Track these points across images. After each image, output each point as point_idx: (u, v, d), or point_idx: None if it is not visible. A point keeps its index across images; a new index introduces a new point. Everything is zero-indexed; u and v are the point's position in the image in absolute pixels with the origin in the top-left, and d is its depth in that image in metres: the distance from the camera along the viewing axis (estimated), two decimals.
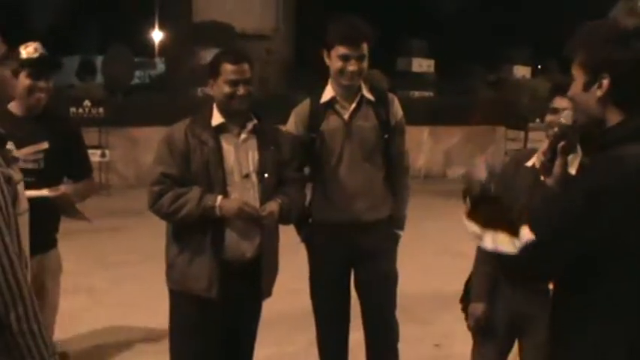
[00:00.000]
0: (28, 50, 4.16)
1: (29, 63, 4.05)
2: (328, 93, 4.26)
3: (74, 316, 5.76)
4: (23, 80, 4.05)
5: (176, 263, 3.88)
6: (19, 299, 2.18)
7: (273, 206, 3.83)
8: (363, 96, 4.24)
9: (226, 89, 3.80)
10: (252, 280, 3.90)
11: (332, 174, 4.27)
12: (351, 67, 4.10)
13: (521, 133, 14.21)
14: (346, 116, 4.24)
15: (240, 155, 3.84)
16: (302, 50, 17.41)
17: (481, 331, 3.76)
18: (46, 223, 4.10)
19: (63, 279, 4.26)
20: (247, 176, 3.84)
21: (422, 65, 16.54)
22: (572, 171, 2.50)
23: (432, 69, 16.93)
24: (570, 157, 2.51)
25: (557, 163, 2.50)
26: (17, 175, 2.35)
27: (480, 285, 3.74)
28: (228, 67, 3.80)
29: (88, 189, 4.37)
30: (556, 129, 2.68)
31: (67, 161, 4.14)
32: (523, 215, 2.27)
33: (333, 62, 4.13)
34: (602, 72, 2.26)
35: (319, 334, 4.50)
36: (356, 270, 4.42)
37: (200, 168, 3.77)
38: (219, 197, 3.75)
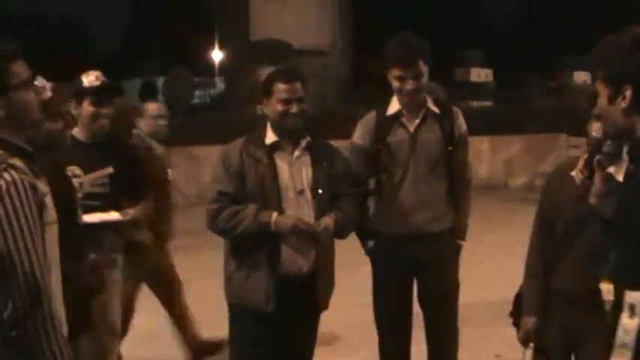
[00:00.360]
0: (89, 79, 4.32)
1: (91, 91, 4.21)
2: (394, 106, 4.33)
3: (141, 331, 5.89)
4: (87, 108, 4.22)
5: (234, 278, 3.98)
6: (36, 300, 2.28)
7: (327, 221, 3.91)
8: (428, 109, 4.31)
9: (279, 108, 3.89)
10: (308, 294, 3.97)
11: (396, 186, 4.33)
12: (408, 86, 4.18)
13: (584, 140, 13.94)
14: (412, 129, 4.30)
15: (294, 172, 3.93)
16: (359, 66, 17.49)
17: (534, 345, 3.71)
18: (110, 244, 4.25)
19: None
20: (301, 192, 3.93)
21: (480, 75, 16.44)
22: (620, 178, 2.50)
23: (490, 78, 16.81)
24: (613, 169, 2.51)
25: (597, 177, 2.51)
26: (44, 188, 2.45)
27: (531, 299, 3.71)
28: (280, 87, 3.89)
29: (148, 208, 4.55)
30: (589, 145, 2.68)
31: (129, 183, 4.31)
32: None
33: (392, 82, 4.23)
34: (623, 84, 2.30)
35: (381, 345, 4.53)
36: (418, 281, 4.46)
37: (255, 186, 3.87)
38: (275, 214, 3.84)
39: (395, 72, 4.18)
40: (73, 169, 4.05)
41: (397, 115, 4.32)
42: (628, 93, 2.29)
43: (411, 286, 4.47)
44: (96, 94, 4.27)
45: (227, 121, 12.81)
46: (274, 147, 3.95)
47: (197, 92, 22.62)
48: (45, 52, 22.44)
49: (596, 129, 2.70)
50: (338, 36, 16.88)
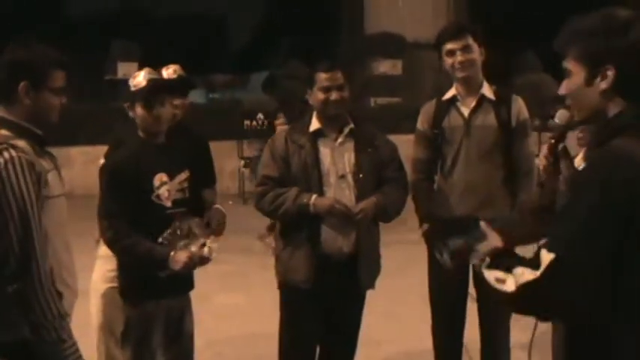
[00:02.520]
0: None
1: (141, 94, 4.32)
2: (451, 91, 4.45)
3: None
4: (138, 110, 4.01)
5: (281, 257, 4.22)
6: (29, 262, 2.67)
7: (367, 204, 4.06)
8: (483, 95, 4.37)
9: (320, 96, 4.10)
10: (350, 274, 4.12)
11: (449, 170, 4.44)
12: (458, 59, 4.28)
13: None
14: (466, 114, 4.39)
15: (337, 157, 4.12)
16: None
17: None
18: None
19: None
20: (343, 177, 4.11)
21: None
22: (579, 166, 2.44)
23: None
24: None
25: (564, 165, 2.47)
26: (48, 166, 2.84)
27: None
28: (322, 76, 4.11)
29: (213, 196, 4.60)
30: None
31: (203, 177, 4.30)
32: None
33: (445, 61, 4.36)
34: (604, 63, 2.19)
35: (435, 327, 4.64)
36: (473, 266, 4.52)
37: (299, 170, 4.09)
38: (314, 196, 4.04)
39: (446, 47, 4.31)
40: (161, 177, 3.85)
41: (453, 100, 4.43)
42: (610, 73, 2.19)
43: (466, 270, 4.53)
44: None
45: None
46: (318, 134, 4.15)
47: None
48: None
49: (559, 115, 2.63)
50: None
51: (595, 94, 2.24)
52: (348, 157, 4.14)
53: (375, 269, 4.29)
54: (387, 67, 15.87)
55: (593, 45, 2.22)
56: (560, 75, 2.34)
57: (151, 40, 20.07)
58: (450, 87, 4.49)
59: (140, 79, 3.90)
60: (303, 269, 4.09)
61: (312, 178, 4.08)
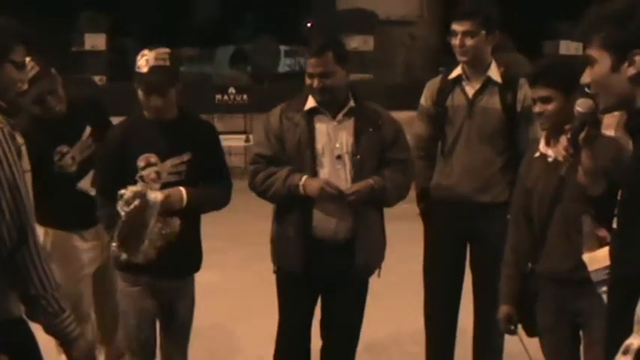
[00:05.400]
0: (140, 62, 4.29)
1: (139, 78, 4.13)
2: (457, 70, 4.36)
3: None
4: (140, 94, 3.84)
5: (275, 241, 4.06)
6: (23, 235, 2.59)
7: (361, 185, 3.85)
8: (489, 77, 4.30)
9: (307, 80, 3.91)
10: (347, 261, 3.92)
11: (449, 150, 4.37)
12: (459, 41, 4.21)
13: None
14: (471, 95, 4.31)
15: (334, 137, 3.91)
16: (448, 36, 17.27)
17: (524, 331, 3.70)
18: None
19: None
20: (340, 158, 3.90)
21: (569, 48, 16.01)
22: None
23: (580, 52, 16.33)
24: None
25: (584, 155, 2.40)
26: (20, 139, 2.76)
27: (504, 288, 3.72)
28: (308, 60, 3.90)
29: (212, 194, 3.92)
30: (575, 121, 2.54)
31: (206, 170, 3.88)
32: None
33: (451, 41, 4.27)
34: (632, 48, 2.15)
35: (427, 311, 4.60)
36: (470, 249, 4.50)
37: (293, 149, 3.91)
38: (305, 177, 3.84)
39: (452, 26, 4.25)
40: (148, 157, 3.72)
41: (458, 79, 4.35)
42: (638, 58, 2.14)
43: (462, 253, 4.49)
44: (144, 81, 3.74)
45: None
46: (314, 112, 3.94)
47: (288, 61, 22.85)
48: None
49: (580, 103, 2.55)
50: (426, 5, 16.74)
51: (622, 80, 2.19)
52: (346, 137, 3.91)
53: (375, 256, 4.07)
54: (358, 42, 15.76)
55: (619, 31, 2.18)
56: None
57: (118, 13, 19.79)
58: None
59: (143, 62, 3.68)
60: (292, 254, 3.94)
61: (305, 157, 3.88)
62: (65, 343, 2.79)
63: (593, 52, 2.22)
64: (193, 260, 3.94)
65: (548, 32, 16.73)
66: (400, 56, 16.41)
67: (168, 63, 3.70)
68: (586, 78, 2.27)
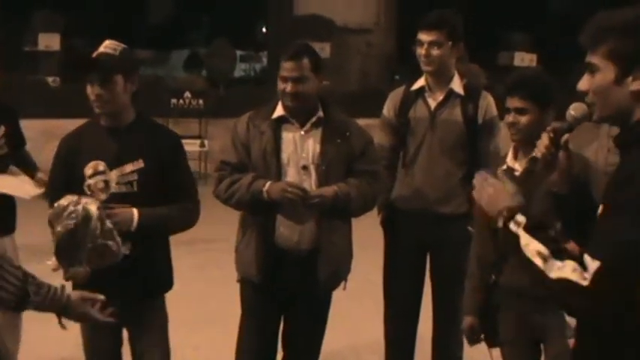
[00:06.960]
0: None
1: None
2: (420, 81, 4.36)
3: None
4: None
5: (239, 248, 4.01)
6: None
7: (325, 190, 3.78)
8: (451, 89, 4.30)
9: (280, 85, 3.86)
10: (310, 272, 3.86)
11: (410, 161, 4.37)
12: (424, 51, 4.21)
13: None
14: (433, 107, 4.31)
15: (300, 147, 3.87)
16: (404, 44, 17.36)
17: (487, 342, 3.72)
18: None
19: None
20: (305, 168, 3.85)
21: (524, 59, 16.21)
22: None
23: (534, 63, 16.56)
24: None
25: (562, 156, 2.40)
26: None
27: (468, 300, 3.74)
28: (283, 64, 3.84)
29: (171, 216, 3.60)
30: (560, 123, 2.53)
31: (164, 181, 3.56)
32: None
33: (417, 50, 4.28)
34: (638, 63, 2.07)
35: (387, 321, 4.60)
36: (430, 258, 4.51)
37: (258, 157, 3.86)
38: (269, 182, 3.77)
39: (418, 35, 4.25)
40: (96, 165, 3.48)
41: (421, 91, 4.35)
42: None
43: (422, 262, 4.50)
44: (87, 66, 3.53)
45: (266, 95, 12.83)
46: (281, 121, 3.90)
47: (243, 66, 22.80)
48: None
49: (574, 107, 2.55)
50: (382, 14, 16.78)
51: (624, 93, 2.12)
52: (312, 147, 3.86)
53: (340, 269, 4.00)
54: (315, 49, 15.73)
55: (629, 43, 2.09)
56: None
57: (73, 12, 19.52)
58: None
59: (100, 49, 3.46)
60: (254, 263, 3.87)
61: (271, 167, 3.82)
62: (61, 312, 2.74)
63: (597, 61, 2.14)
64: (153, 284, 3.69)
65: (503, 43, 16.95)
66: (356, 64, 16.43)
67: (117, 53, 3.48)
68: (584, 85, 2.20)
